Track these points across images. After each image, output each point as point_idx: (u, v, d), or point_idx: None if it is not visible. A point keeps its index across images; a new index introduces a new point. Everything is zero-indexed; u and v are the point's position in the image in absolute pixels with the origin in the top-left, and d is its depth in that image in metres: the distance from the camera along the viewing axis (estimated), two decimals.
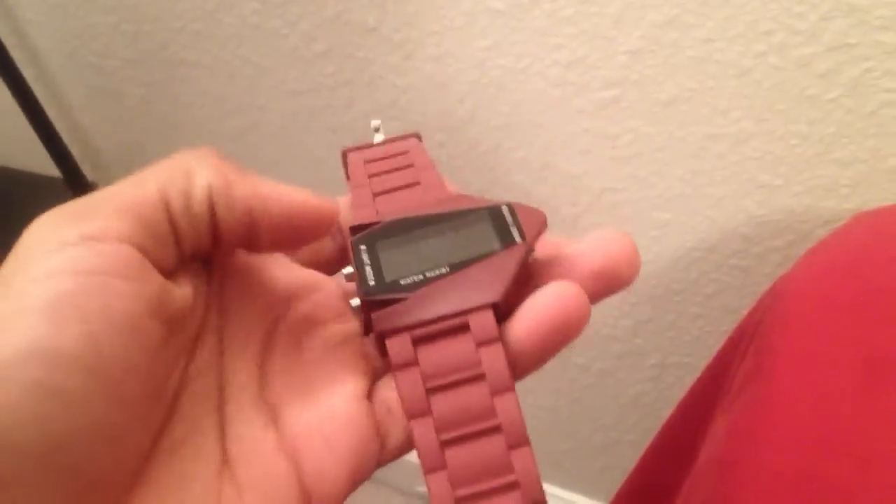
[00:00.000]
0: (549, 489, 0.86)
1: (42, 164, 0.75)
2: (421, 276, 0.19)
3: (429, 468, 0.17)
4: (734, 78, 0.44)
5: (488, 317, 0.18)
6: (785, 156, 0.46)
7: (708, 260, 0.54)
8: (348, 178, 0.24)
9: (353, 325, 0.21)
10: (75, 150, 0.75)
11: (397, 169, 0.23)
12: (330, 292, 0.22)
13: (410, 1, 0.50)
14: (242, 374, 0.19)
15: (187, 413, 0.18)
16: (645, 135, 0.49)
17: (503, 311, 0.19)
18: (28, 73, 0.69)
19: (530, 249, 0.20)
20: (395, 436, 0.19)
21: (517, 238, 0.20)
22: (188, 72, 0.64)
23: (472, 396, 0.18)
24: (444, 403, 0.18)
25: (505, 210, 0.20)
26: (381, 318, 0.19)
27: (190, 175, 0.18)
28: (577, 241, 0.20)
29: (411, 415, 0.18)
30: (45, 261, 0.15)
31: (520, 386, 0.18)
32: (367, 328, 0.20)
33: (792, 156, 0.46)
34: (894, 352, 0.29)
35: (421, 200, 0.22)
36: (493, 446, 0.17)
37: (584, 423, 0.74)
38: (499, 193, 0.56)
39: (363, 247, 0.20)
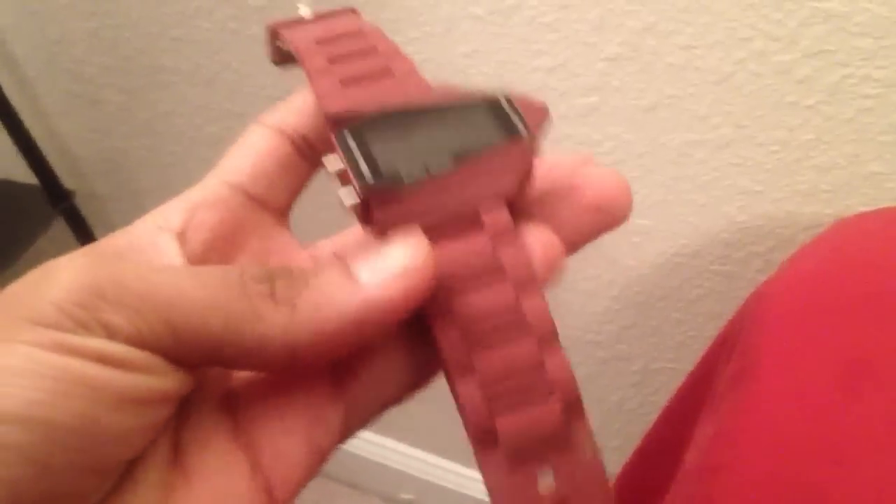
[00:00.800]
0: None
1: (19, 171, 0.74)
2: (423, 171, 0.17)
3: (457, 372, 0.16)
4: (714, 84, 0.44)
5: (504, 213, 0.17)
6: (765, 162, 0.46)
7: (690, 265, 0.54)
8: (277, 57, 0.22)
9: None
10: (53, 158, 0.73)
11: (361, 53, 0.21)
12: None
13: (389, 7, 0.50)
14: None
15: None
16: (626, 141, 0.49)
17: (515, 206, 0.18)
18: (4, 80, 0.68)
19: (536, 141, 0.18)
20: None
21: (521, 129, 0.18)
22: (167, 78, 0.64)
23: (495, 293, 0.16)
24: (465, 301, 0.16)
25: (503, 101, 0.19)
26: (384, 214, 0.17)
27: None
28: (570, 176, 0.19)
29: (430, 316, 0.16)
30: (62, 336, 0.14)
31: None
32: (366, 223, 0.18)
33: (772, 161, 0.46)
34: (874, 355, 0.29)
35: (402, 91, 0.20)
36: (523, 347, 0.16)
37: None
38: None
39: (349, 136, 0.18)
